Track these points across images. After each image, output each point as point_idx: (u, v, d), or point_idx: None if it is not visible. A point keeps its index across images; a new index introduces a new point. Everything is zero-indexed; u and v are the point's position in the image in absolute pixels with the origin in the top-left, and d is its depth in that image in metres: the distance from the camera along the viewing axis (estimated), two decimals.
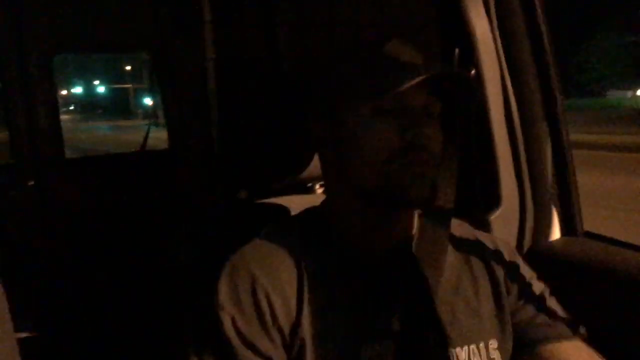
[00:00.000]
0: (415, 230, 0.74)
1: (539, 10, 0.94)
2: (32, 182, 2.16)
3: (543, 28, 0.96)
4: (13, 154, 2.20)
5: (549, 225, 1.02)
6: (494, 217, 1.02)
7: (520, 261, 0.77)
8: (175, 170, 2.33)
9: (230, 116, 1.60)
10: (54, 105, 2.34)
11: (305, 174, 0.86)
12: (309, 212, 0.76)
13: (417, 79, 0.60)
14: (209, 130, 1.72)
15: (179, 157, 2.39)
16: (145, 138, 2.69)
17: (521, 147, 1.01)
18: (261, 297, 0.64)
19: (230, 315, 0.64)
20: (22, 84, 2.16)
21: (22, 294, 1.79)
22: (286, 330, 0.64)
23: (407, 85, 0.60)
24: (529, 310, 0.73)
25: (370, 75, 0.66)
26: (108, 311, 1.86)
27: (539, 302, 0.73)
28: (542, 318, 0.72)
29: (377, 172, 0.64)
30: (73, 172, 2.34)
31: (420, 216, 0.75)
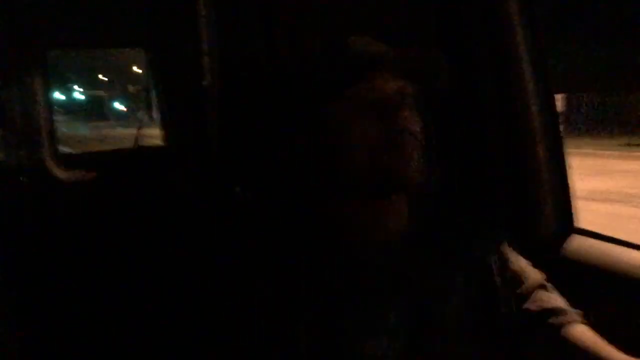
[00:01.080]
0: (409, 219, 0.75)
1: (535, 11, 0.96)
2: (25, 179, 2.14)
3: (538, 27, 0.98)
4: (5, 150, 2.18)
5: (542, 222, 1.04)
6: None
7: (512, 251, 0.79)
8: (172, 167, 2.32)
9: (227, 113, 1.60)
10: (47, 101, 2.32)
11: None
12: (305, 206, 0.77)
13: (386, 66, 0.64)
14: (205, 127, 1.71)
15: (175, 154, 2.38)
16: (138, 135, 2.68)
17: (514, 145, 1.03)
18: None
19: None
20: (17, 79, 2.14)
21: (22, 293, 1.79)
22: (289, 325, 0.66)
23: (376, 74, 0.63)
24: (529, 300, 0.74)
25: (341, 72, 0.67)
26: (106, 308, 1.86)
27: (537, 291, 0.75)
28: (541, 307, 0.74)
29: (364, 165, 0.66)
30: (68, 168, 2.33)
31: (412, 204, 0.76)
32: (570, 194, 1.03)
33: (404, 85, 0.68)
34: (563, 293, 0.76)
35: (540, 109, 1.01)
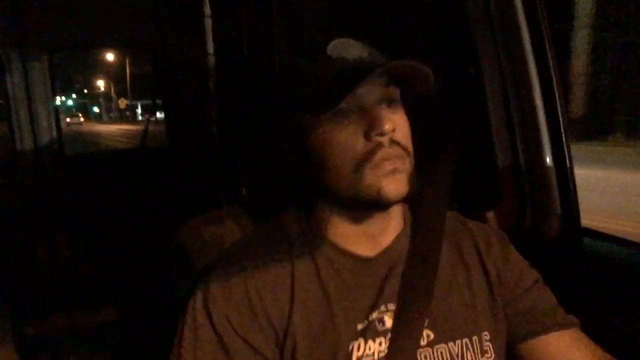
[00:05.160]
0: (406, 225, 0.73)
1: (540, 11, 0.95)
2: (32, 179, 2.16)
3: (544, 27, 0.97)
4: (14, 151, 2.20)
5: (547, 222, 1.03)
6: (493, 213, 1.02)
7: (513, 250, 0.77)
8: (175, 168, 2.33)
9: (231, 113, 1.60)
10: (53, 102, 2.34)
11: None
12: (296, 211, 0.74)
13: (365, 78, 0.60)
14: (209, 127, 1.71)
15: (179, 154, 2.39)
16: (144, 135, 2.69)
17: (520, 145, 1.02)
18: (253, 294, 0.64)
19: (223, 310, 0.63)
20: (23, 80, 2.16)
21: (23, 292, 1.80)
22: (279, 328, 0.64)
23: (356, 87, 0.60)
24: (524, 300, 0.73)
25: (320, 82, 0.64)
26: (107, 309, 1.86)
27: (533, 292, 0.73)
28: (537, 308, 0.72)
29: (350, 179, 0.63)
30: (73, 168, 2.34)
31: (411, 210, 0.75)
32: (576, 195, 1.02)
33: (390, 91, 0.65)
34: (568, 294, 0.75)
35: (546, 111, 1.00)
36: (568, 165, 1.01)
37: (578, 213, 1.03)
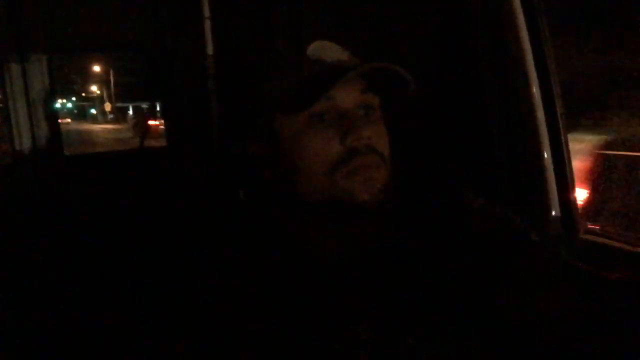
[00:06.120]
0: (389, 231, 0.70)
1: (538, 8, 0.95)
2: (30, 180, 2.16)
3: (542, 24, 0.97)
4: (13, 151, 2.20)
5: (548, 223, 1.03)
6: None
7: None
8: (174, 168, 2.32)
9: (230, 114, 1.60)
10: (53, 104, 2.34)
11: None
12: (275, 222, 0.72)
13: (344, 78, 0.59)
14: (208, 128, 1.72)
15: (178, 155, 2.39)
16: (143, 136, 2.69)
17: (519, 144, 1.02)
18: (237, 312, 0.63)
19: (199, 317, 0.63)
20: (22, 81, 2.17)
21: (22, 292, 1.80)
22: (252, 342, 0.62)
23: (335, 87, 0.59)
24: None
25: (297, 82, 0.63)
26: (107, 309, 1.86)
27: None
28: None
29: (322, 183, 0.62)
30: (72, 169, 2.34)
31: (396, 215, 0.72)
32: (575, 195, 1.02)
33: (368, 97, 0.65)
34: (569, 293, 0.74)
35: (545, 109, 1.00)
36: (567, 164, 1.01)
37: (577, 212, 1.03)
